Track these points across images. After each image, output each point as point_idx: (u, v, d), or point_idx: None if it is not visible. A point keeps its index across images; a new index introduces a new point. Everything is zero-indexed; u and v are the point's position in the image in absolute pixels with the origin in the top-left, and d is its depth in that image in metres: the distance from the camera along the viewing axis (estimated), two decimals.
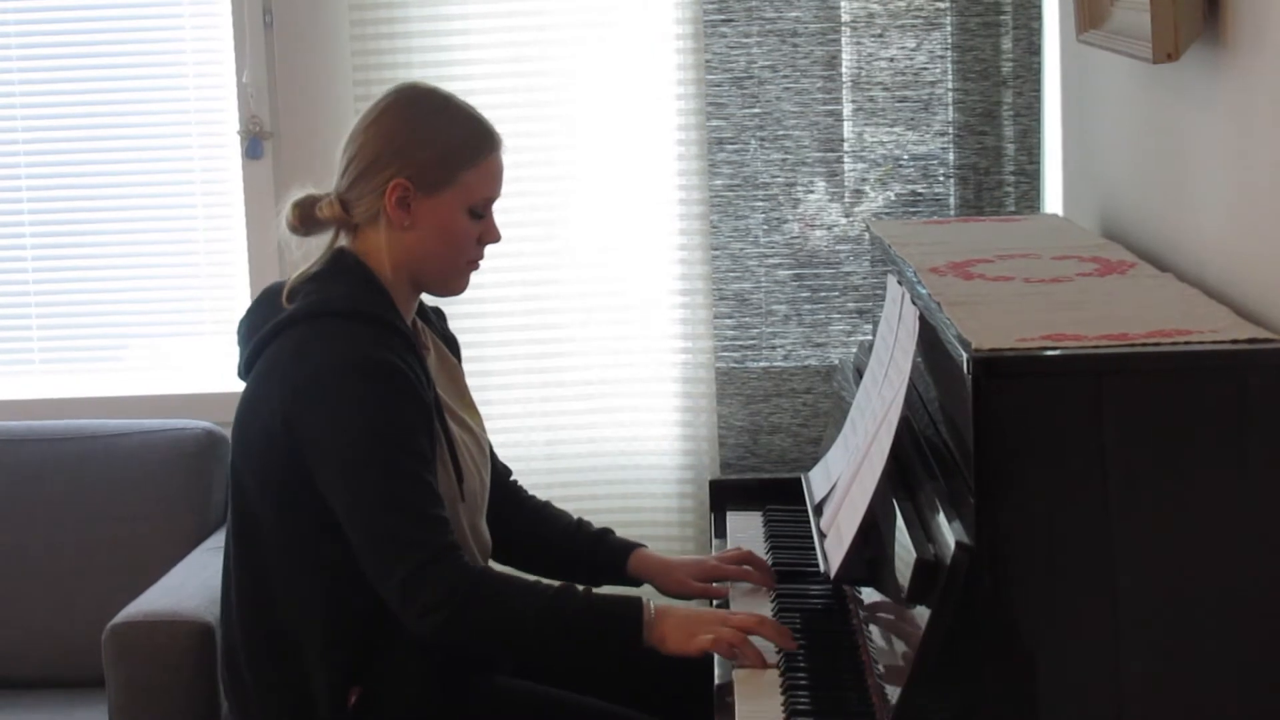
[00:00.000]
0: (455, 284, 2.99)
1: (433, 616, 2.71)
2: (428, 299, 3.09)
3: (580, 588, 2.81)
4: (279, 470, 2.81)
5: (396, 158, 2.87)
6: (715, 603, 3.11)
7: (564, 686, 3.01)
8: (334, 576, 2.82)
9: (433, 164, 2.88)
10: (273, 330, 2.85)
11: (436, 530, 2.75)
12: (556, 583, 2.82)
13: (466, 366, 3.27)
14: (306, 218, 2.92)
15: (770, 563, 3.17)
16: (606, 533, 3.22)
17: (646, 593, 3.16)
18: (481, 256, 2.98)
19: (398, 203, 2.87)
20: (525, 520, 3.22)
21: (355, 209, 2.90)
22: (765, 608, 2.96)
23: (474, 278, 3.00)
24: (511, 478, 3.28)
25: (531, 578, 2.85)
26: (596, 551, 3.19)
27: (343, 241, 2.92)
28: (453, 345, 3.14)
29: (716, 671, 2.73)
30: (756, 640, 2.73)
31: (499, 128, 2.99)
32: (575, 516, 3.25)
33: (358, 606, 2.82)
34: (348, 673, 2.84)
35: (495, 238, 2.97)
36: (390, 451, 2.75)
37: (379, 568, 2.75)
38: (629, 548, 3.19)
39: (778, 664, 2.70)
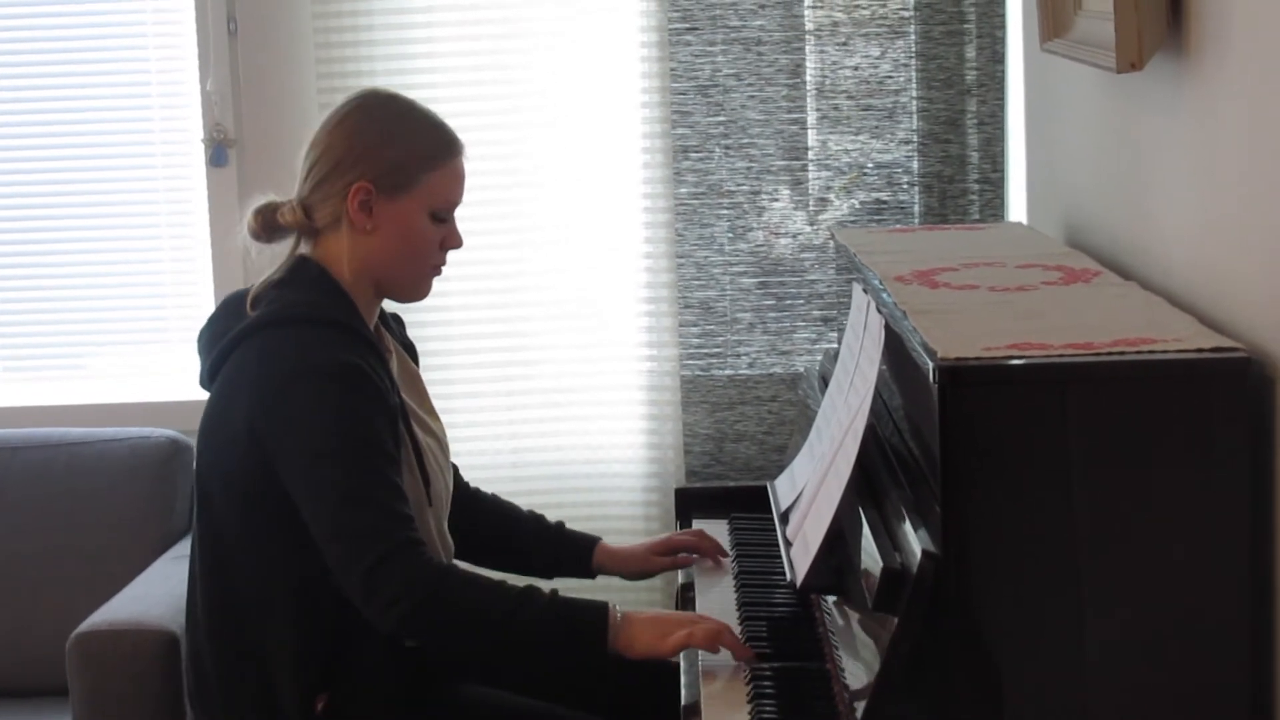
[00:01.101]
0: (417, 289, 2.99)
1: (395, 609, 2.70)
2: (388, 305, 3.09)
3: (547, 589, 2.80)
4: (245, 478, 2.81)
5: (359, 161, 2.87)
6: (681, 581, 3.12)
7: (533, 696, 3.00)
8: (301, 584, 2.81)
9: (395, 167, 2.88)
10: (236, 337, 2.85)
11: (400, 524, 2.74)
12: (522, 583, 2.82)
13: (432, 374, 3.28)
14: (269, 224, 2.91)
15: (736, 571, 3.17)
16: (563, 526, 3.26)
17: (606, 584, 3.19)
18: (444, 262, 2.98)
19: (360, 206, 2.87)
20: (475, 510, 3.22)
21: (317, 214, 2.90)
22: (731, 616, 2.96)
23: (439, 285, 3.00)
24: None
25: (497, 577, 2.84)
26: (559, 544, 3.23)
27: (304, 248, 2.93)
28: (412, 352, 3.15)
29: (684, 680, 2.73)
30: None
31: (464, 135, 2.99)
32: (526, 509, 3.28)
33: (325, 614, 2.81)
34: (315, 680, 2.83)
35: (457, 243, 2.98)
36: (355, 448, 2.74)
37: (342, 561, 2.73)
38: (590, 541, 3.24)
39: (745, 674, 2.70)
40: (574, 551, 3.22)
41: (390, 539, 2.71)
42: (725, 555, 3.20)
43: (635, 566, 3.23)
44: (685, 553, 3.24)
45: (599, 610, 2.76)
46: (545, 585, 2.84)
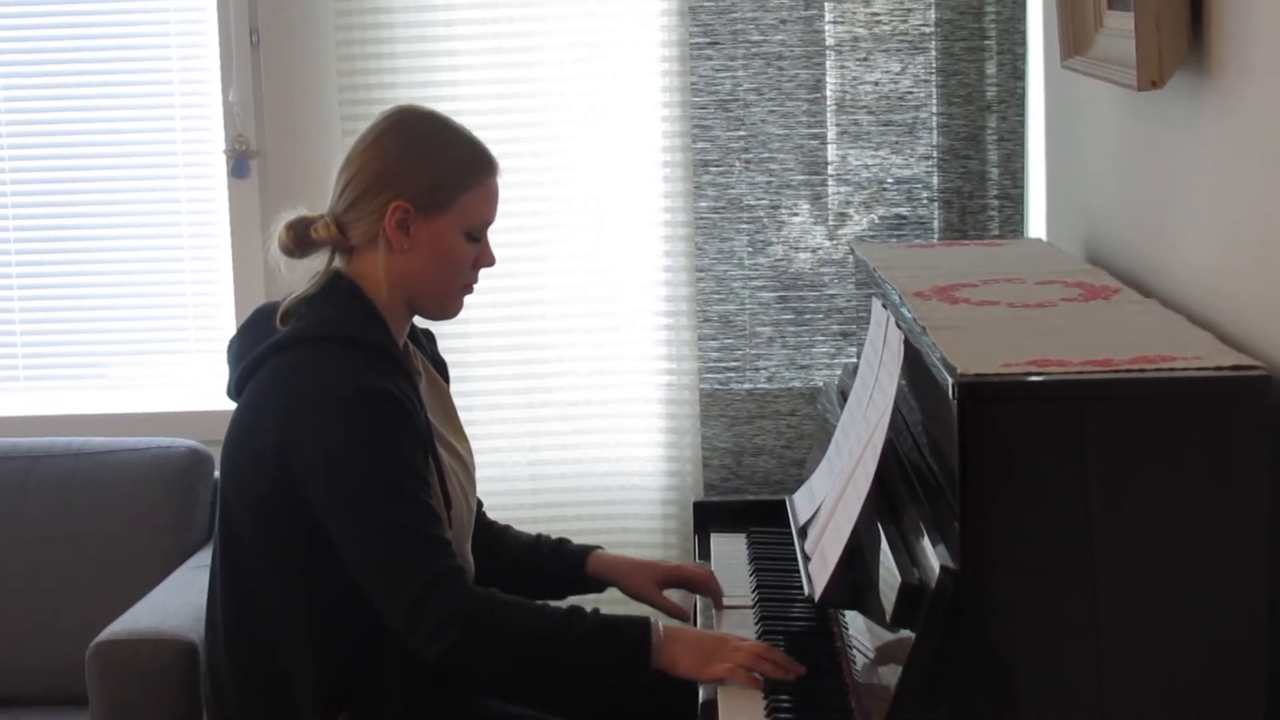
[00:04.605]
0: (450, 307, 2.98)
1: (439, 642, 2.70)
2: (418, 321, 3.08)
3: (589, 609, 2.79)
4: (266, 494, 2.80)
5: (397, 180, 2.86)
6: (700, 624, 3.10)
7: (553, 708, 3.00)
8: (321, 601, 2.81)
9: (433, 186, 2.87)
10: (265, 353, 2.84)
11: (439, 553, 2.73)
12: (564, 605, 2.81)
13: (452, 387, 3.27)
14: (301, 239, 2.90)
15: (754, 585, 3.17)
16: (563, 541, 3.24)
17: (611, 596, 3.18)
18: (476, 280, 2.98)
19: (397, 225, 2.85)
20: (490, 544, 3.20)
21: (352, 231, 2.89)
22: (749, 630, 2.97)
23: None
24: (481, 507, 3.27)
25: (538, 601, 2.85)
26: (556, 561, 3.20)
27: (337, 264, 2.92)
28: (442, 369, 3.14)
29: (701, 693, 2.73)
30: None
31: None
32: (534, 534, 3.26)
33: (344, 630, 2.81)
34: (335, 696, 2.83)
35: (490, 261, 2.98)
36: (389, 476, 2.73)
37: (383, 595, 2.73)
38: (585, 550, 3.20)
39: (761, 687, 2.71)
40: (570, 565, 3.18)
41: (431, 570, 2.71)
42: (722, 604, 3.11)
43: (632, 584, 3.17)
44: (689, 590, 3.17)
45: (642, 630, 2.76)
46: (588, 605, 2.84)
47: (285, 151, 4.20)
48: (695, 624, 3.13)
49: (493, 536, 3.25)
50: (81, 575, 3.92)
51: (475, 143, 2.95)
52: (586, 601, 3.23)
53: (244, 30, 4.22)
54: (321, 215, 2.91)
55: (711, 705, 2.67)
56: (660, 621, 2.79)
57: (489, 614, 2.73)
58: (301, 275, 2.94)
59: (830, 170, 4.24)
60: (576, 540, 3.28)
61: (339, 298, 2.87)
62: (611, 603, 3.14)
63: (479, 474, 3.23)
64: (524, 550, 3.23)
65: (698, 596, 3.18)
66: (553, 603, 2.81)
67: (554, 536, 3.27)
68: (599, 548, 3.23)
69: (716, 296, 4.25)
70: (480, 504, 3.26)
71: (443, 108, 3.74)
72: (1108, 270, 3.05)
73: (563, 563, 3.20)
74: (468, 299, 3.89)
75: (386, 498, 2.73)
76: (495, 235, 3.71)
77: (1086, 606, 2.21)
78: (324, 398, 2.76)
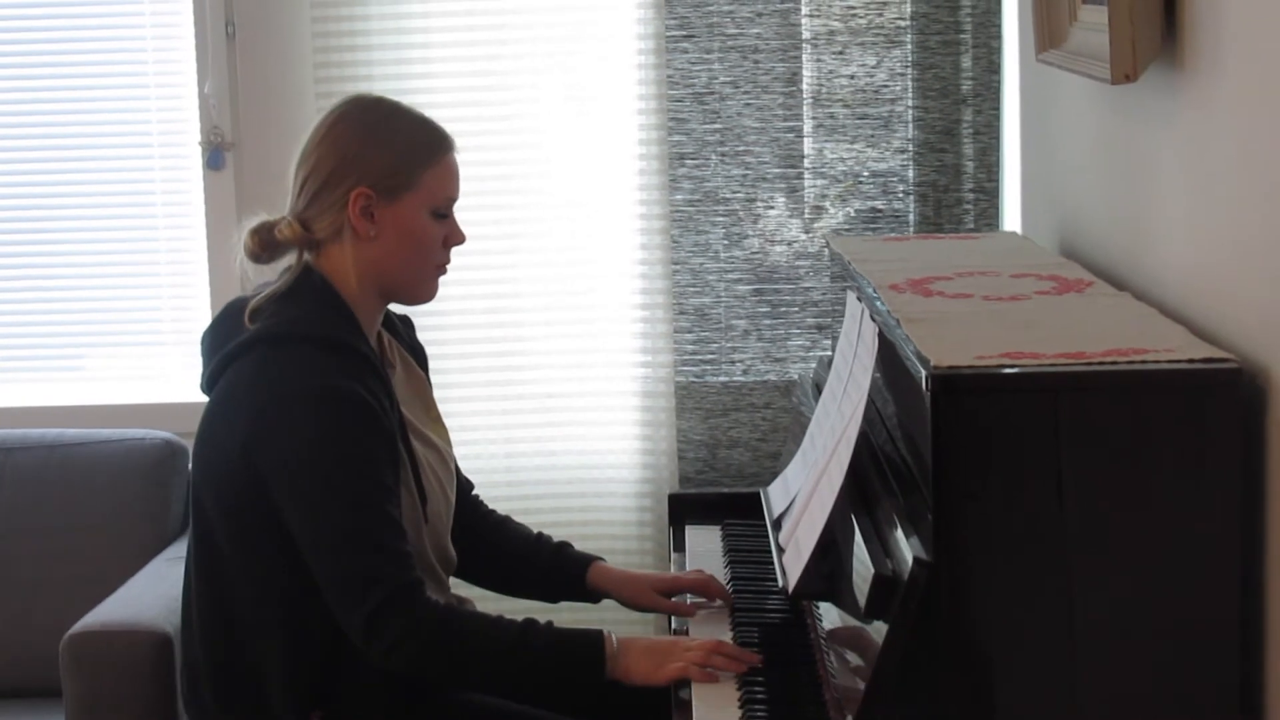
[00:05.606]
0: (424, 290, 2.96)
1: (396, 654, 2.71)
2: (396, 308, 3.07)
3: (543, 622, 2.80)
4: (236, 494, 2.79)
5: (355, 167, 2.84)
6: (674, 627, 3.09)
7: (529, 703, 3.00)
8: (294, 599, 2.80)
9: (392, 169, 2.85)
10: (234, 351, 2.82)
11: (399, 566, 2.72)
12: (519, 617, 2.81)
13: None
14: (267, 243, 2.87)
15: (729, 577, 3.18)
16: (565, 546, 3.22)
17: (607, 607, 3.17)
18: (448, 260, 2.96)
19: (361, 212, 2.84)
20: (486, 535, 3.21)
21: (316, 226, 2.86)
22: (724, 622, 2.97)
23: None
24: (473, 492, 3.27)
25: (494, 613, 2.84)
26: (555, 564, 3.18)
27: (307, 258, 2.89)
28: (420, 356, 3.12)
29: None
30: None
31: (461, 140, 2.98)
32: (535, 531, 3.25)
33: (318, 629, 2.80)
34: (309, 695, 2.82)
35: (460, 239, 2.96)
36: (353, 485, 2.72)
37: (342, 604, 2.73)
38: (587, 560, 3.19)
39: (735, 679, 2.71)
40: (570, 573, 3.17)
41: (391, 583, 2.71)
42: (729, 598, 3.08)
43: (631, 595, 3.14)
44: (691, 597, 3.11)
45: (595, 642, 2.77)
46: (544, 616, 2.84)
47: (261, 143, 4.20)
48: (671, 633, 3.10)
49: (490, 526, 3.24)
50: (56, 567, 3.91)
51: (427, 121, 2.94)
52: (576, 609, 3.26)
53: (219, 21, 4.21)
54: (284, 216, 2.89)
55: (686, 699, 2.68)
56: (614, 634, 2.80)
57: (445, 629, 2.73)
58: (274, 271, 2.92)
59: (806, 163, 4.25)
60: (555, 536, 3.27)
61: (307, 295, 2.85)
62: (606, 610, 3.17)
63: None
64: (524, 545, 3.21)
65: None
66: (507, 616, 2.82)
67: (555, 539, 3.25)
68: (601, 559, 3.21)
69: (692, 289, 4.26)
70: (473, 489, 3.26)
71: (419, 99, 3.75)
72: (1082, 263, 3.06)
73: (563, 567, 3.18)
74: (444, 291, 3.88)
75: (348, 506, 2.72)
76: (471, 227, 3.70)
77: (1060, 597, 2.22)
78: (290, 399, 2.74)
